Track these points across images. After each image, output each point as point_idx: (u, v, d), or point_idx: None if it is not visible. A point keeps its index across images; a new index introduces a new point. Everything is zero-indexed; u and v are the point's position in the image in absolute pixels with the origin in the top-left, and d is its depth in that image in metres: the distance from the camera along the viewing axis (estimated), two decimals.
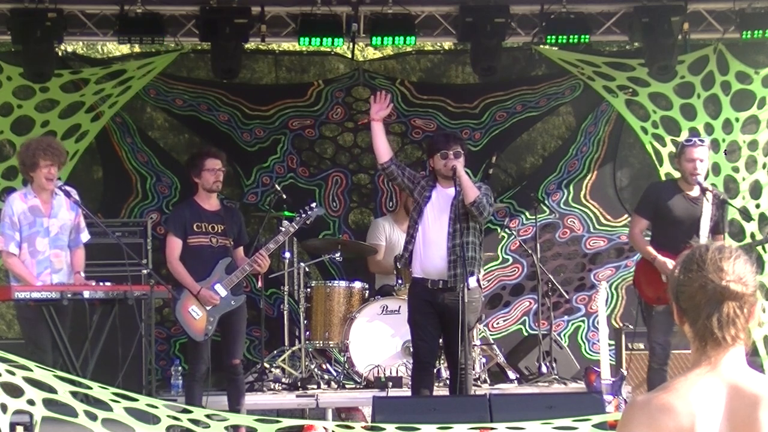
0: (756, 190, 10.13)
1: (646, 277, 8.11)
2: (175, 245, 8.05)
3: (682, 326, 2.64)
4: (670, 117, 10.26)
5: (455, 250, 7.51)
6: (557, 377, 9.32)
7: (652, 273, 8.01)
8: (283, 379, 9.21)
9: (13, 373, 5.68)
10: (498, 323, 10.84)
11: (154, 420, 5.95)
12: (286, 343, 9.51)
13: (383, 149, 7.72)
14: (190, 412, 6.31)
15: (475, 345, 9.18)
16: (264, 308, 9.62)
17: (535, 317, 10.35)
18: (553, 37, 9.86)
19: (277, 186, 9.57)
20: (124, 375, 7.25)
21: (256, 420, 6.31)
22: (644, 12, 9.68)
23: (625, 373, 8.82)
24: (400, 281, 9.22)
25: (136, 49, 10.79)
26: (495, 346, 9.80)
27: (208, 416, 6.35)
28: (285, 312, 9.50)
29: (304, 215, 8.31)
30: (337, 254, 9.55)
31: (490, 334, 10.20)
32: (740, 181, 10.12)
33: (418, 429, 6.15)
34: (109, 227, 8.25)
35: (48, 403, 5.67)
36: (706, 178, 8.26)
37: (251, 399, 8.49)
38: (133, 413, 5.83)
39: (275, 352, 9.61)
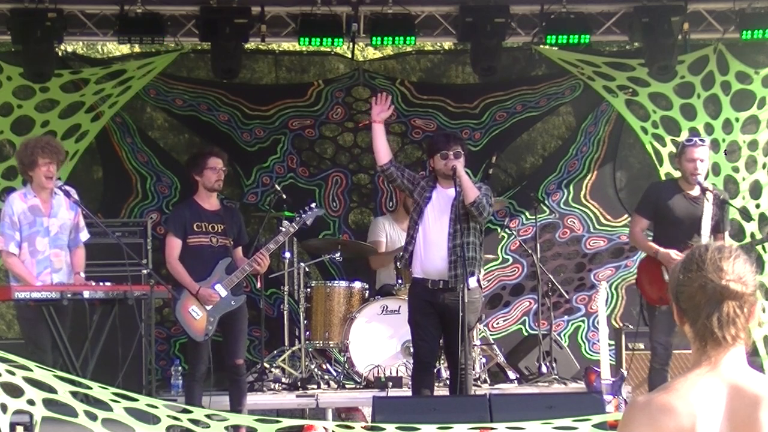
0: (756, 190, 10.13)
1: (648, 278, 8.09)
2: (174, 245, 8.04)
3: (682, 326, 2.64)
4: (670, 117, 10.26)
5: (456, 251, 7.50)
6: (557, 377, 9.31)
7: (654, 273, 8.00)
8: (283, 379, 9.20)
9: (13, 373, 5.67)
10: (498, 323, 10.84)
11: (154, 420, 5.95)
12: (286, 343, 9.51)
13: (383, 151, 7.71)
14: (190, 412, 6.30)
15: (475, 345, 9.17)
16: (264, 308, 9.61)
17: (535, 317, 10.34)
18: (553, 37, 9.86)
19: (277, 186, 9.57)
20: (124, 375, 7.24)
21: (256, 420, 6.31)
22: (644, 12, 9.68)
23: (626, 373, 8.82)
24: (400, 281, 9.22)
25: (136, 49, 10.79)
26: (495, 346, 9.79)
27: (208, 416, 6.34)
28: (285, 312, 9.50)
29: (304, 215, 8.32)
30: (337, 254, 9.54)
31: (490, 334, 10.20)
32: (740, 181, 10.12)
33: (418, 429, 6.15)
34: (109, 227, 8.24)
35: (48, 403, 5.67)
36: (706, 178, 8.25)
37: (251, 399, 8.47)
38: (133, 413, 5.83)
39: (275, 352, 9.61)
